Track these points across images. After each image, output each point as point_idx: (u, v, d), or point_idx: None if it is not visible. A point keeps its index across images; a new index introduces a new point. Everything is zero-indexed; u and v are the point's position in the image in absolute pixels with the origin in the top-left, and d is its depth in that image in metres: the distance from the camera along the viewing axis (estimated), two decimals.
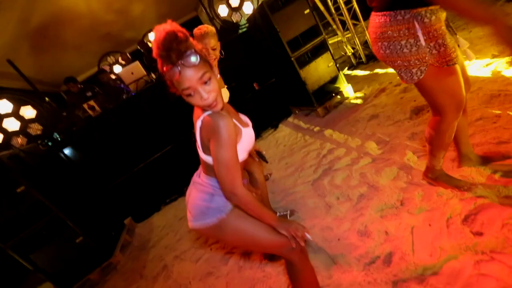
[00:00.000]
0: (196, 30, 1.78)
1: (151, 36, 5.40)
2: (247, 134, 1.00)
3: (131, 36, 6.05)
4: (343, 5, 3.72)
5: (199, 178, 1.05)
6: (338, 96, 3.29)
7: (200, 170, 1.08)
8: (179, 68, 0.79)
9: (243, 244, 1.13)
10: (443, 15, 1.05)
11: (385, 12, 1.08)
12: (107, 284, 2.55)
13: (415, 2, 1.02)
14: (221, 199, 1.00)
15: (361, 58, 3.99)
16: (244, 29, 4.14)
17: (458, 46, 1.13)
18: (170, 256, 2.36)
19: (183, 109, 3.76)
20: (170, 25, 0.81)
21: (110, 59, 5.50)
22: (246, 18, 4.22)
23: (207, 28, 1.71)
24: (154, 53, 0.82)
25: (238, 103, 3.77)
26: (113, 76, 4.90)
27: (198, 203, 1.02)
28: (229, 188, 0.89)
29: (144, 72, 3.86)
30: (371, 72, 3.64)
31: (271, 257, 1.68)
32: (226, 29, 4.29)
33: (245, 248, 1.12)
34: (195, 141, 2.02)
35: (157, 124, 3.74)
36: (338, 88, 3.30)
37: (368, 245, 1.38)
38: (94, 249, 2.63)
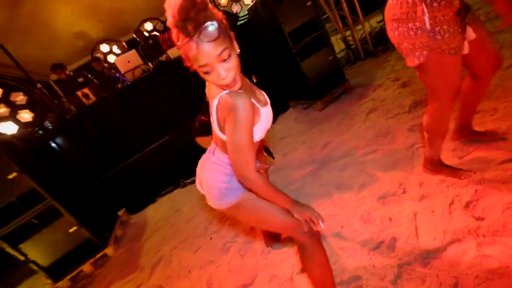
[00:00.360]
0: None
1: (148, 25, 5.30)
2: (265, 113, 0.96)
3: (125, 25, 5.92)
4: (343, 0, 3.74)
5: (214, 156, 1.02)
6: (337, 90, 3.31)
7: (214, 146, 1.05)
8: (196, 42, 0.73)
9: (258, 223, 1.12)
10: (455, 2, 1.07)
11: None
12: (101, 276, 2.50)
13: None
14: (234, 180, 0.99)
15: (359, 54, 4.02)
16: (244, 21, 4.11)
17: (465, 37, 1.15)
18: (168, 246, 2.33)
19: (181, 99, 3.75)
20: None
21: (104, 47, 5.35)
22: (247, 9, 4.18)
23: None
24: (169, 23, 0.75)
25: None
26: (107, 65, 4.78)
27: (217, 184, 1.00)
28: (242, 172, 0.87)
29: (141, 61, 3.78)
30: (369, 68, 3.69)
31: (274, 244, 1.69)
32: (227, 19, 4.24)
33: (259, 227, 1.11)
34: (199, 122, 1.97)
35: (153, 114, 3.67)
36: (338, 82, 3.32)
37: (372, 231, 1.40)
38: (87, 240, 2.57)
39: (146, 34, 5.08)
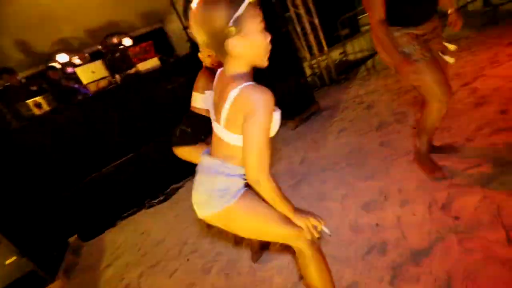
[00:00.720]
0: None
1: (113, 39, 5.08)
2: (276, 118, 0.88)
3: (85, 39, 5.61)
4: (309, 31, 4.13)
5: (204, 164, 0.98)
6: (308, 111, 3.51)
7: (206, 154, 1.01)
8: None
9: (254, 229, 1.01)
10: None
11: None
12: None
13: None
14: (227, 183, 0.92)
15: (324, 80, 4.39)
16: None
17: (442, 53, 1.38)
18: (134, 273, 2.05)
19: (148, 116, 3.57)
20: None
21: (62, 58, 4.93)
22: None
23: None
24: None
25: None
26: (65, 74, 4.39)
27: (215, 186, 0.92)
28: (257, 175, 0.81)
29: (107, 73, 3.56)
30: (334, 93, 4.02)
31: (262, 255, 1.61)
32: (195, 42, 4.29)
33: (254, 235, 1.01)
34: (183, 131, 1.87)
35: (115, 130, 3.42)
36: (308, 103, 3.53)
37: (362, 238, 1.44)
38: (29, 272, 2.13)
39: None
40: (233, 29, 0.74)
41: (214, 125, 0.95)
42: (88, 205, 3.08)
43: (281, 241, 1.08)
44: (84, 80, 3.46)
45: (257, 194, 0.94)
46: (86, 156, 3.22)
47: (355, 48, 4.95)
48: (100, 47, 4.68)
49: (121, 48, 4.80)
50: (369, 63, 4.51)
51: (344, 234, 1.51)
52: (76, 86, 4.24)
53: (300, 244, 1.00)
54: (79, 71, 3.44)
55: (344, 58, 4.77)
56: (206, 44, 0.80)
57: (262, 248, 1.65)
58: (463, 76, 2.58)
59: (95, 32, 5.61)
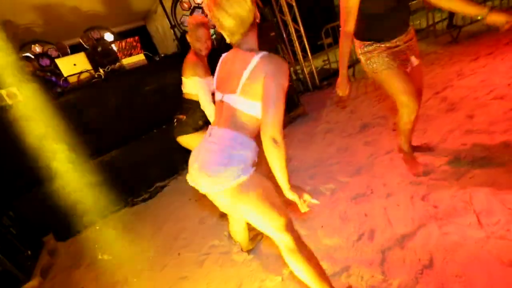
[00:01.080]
0: (190, 19, 1.79)
1: (95, 33, 4.89)
2: None
3: (63, 31, 5.34)
4: (295, 38, 4.30)
5: (214, 136, 1.02)
6: (294, 113, 3.64)
7: (215, 125, 1.05)
8: None
9: (257, 208, 1.01)
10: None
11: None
12: None
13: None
14: (241, 155, 0.97)
15: (307, 86, 4.57)
16: None
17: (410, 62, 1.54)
18: (123, 269, 1.99)
19: (131, 112, 3.48)
20: None
21: (35, 48, 4.64)
22: (215, 30, 4.33)
23: (202, 19, 1.75)
24: None
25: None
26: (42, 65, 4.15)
27: (216, 162, 0.96)
28: (273, 132, 0.88)
29: (90, 66, 3.43)
30: (318, 98, 4.21)
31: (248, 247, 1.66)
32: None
33: (253, 215, 0.99)
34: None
35: (98, 125, 3.30)
36: (294, 106, 3.66)
37: (352, 227, 1.54)
38: (2, 272, 1.98)
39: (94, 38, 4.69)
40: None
41: (226, 97, 1.01)
42: (65, 203, 2.92)
43: (272, 227, 1.04)
44: (65, 72, 3.30)
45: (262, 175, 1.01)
46: (62, 152, 3.07)
47: (337, 57, 5.23)
48: (81, 40, 4.48)
49: (105, 42, 4.65)
50: (350, 71, 4.79)
51: (335, 224, 1.61)
52: (53, 78, 4.03)
53: (287, 234, 1.02)
54: (59, 62, 3.28)
55: (327, 66, 5.02)
56: (230, 27, 0.95)
57: (252, 239, 1.70)
58: (434, 86, 2.86)
59: (74, 24, 5.38)
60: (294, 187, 0.98)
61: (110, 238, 2.52)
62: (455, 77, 2.89)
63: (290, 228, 1.04)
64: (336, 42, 5.57)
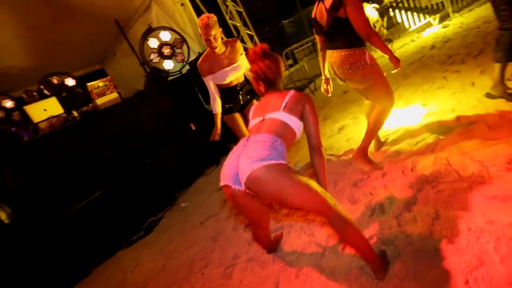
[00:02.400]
0: (199, 21, 2.03)
1: (55, 79, 4.73)
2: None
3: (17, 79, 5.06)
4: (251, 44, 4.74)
5: (254, 138, 1.22)
6: None
7: (248, 137, 1.28)
8: None
9: (294, 196, 1.13)
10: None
11: (347, 49, 1.77)
12: None
13: (361, 43, 1.76)
14: (280, 151, 1.17)
15: None
16: (176, 76, 4.41)
17: None
18: None
19: (111, 152, 3.39)
20: None
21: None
22: (183, 65, 4.52)
23: (209, 19, 1.99)
24: None
25: (176, 142, 3.79)
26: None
27: (261, 149, 1.14)
28: (320, 143, 1.35)
29: (62, 110, 3.33)
30: None
31: (272, 248, 1.75)
32: (156, 75, 4.42)
33: (292, 203, 1.13)
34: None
35: (78, 167, 3.15)
36: None
37: (362, 205, 1.74)
38: None
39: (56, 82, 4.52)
40: None
41: (268, 115, 1.29)
42: (51, 257, 2.64)
43: (313, 209, 1.19)
44: (35, 119, 3.15)
45: None
46: (44, 200, 2.84)
47: (298, 76, 5.81)
48: (42, 87, 4.30)
49: (73, 85, 4.52)
50: (311, 86, 5.34)
51: (347, 207, 1.79)
52: (13, 129, 3.76)
53: (331, 211, 1.17)
54: (28, 109, 3.13)
55: (291, 85, 5.52)
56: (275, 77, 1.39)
57: (275, 240, 1.79)
58: None
59: (30, 72, 5.14)
60: None
61: (113, 279, 2.33)
62: (402, 78, 3.47)
63: (334, 205, 1.17)
64: (296, 62, 6.23)
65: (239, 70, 2.25)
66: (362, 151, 2.02)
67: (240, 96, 2.37)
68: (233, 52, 2.22)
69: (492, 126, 1.83)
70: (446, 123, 2.09)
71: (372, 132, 1.99)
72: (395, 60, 1.77)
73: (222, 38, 2.17)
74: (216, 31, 2.05)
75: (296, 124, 1.27)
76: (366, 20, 1.67)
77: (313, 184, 1.19)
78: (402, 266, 1.23)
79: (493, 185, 1.39)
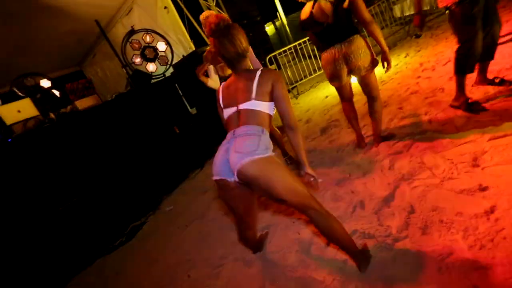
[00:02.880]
0: (201, 18, 2.32)
1: (29, 80, 4.51)
2: None
3: None
4: None
5: (240, 131, 1.23)
6: None
7: (233, 129, 1.27)
8: None
9: (285, 181, 1.17)
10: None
11: (358, 35, 1.93)
12: None
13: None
14: (265, 142, 1.22)
15: None
16: (159, 79, 4.36)
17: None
18: None
19: (90, 156, 3.28)
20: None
21: None
22: (167, 67, 4.48)
23: (208, 12, 2.30)
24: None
25: (160, 146, 3.74)
26: None
27: (248, 143, 1.17)
28: (294, 120, 1.23)
29: (37, 111, 3.18)
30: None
31: (258, 248, 1.78)
32: (139, 77, 4.34)
33: (283, 189, 1.16)
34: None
35: (53, 173, 3.02)
36: None
37: (344, 203, 1.82)
38: None
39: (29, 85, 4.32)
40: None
41: (242, 106, 1.27)
42: (26, 267, 2.49)
43: (296, 202, 1.22)
44: (8, 121, 2.99)
45: None
46: (22, 205, 2.69)
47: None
48: (14, 88, 4.08)
49: (48, 87, 4.32)
50: (294, 91, 5.47)
51: (329, 206, 1.86)
52: None
53: (314, 205, 1.23)
54: (1, 110, 2.96)
55: None
56: (234, 56, 1.28)
57: (260, 240, 1.82)
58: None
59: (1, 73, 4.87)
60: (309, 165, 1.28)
61: (95, 287, 2.24)
62: (379, 84, 3.66)
63: (312, 198, 1.23)
64: (279, 68, 6.35)
65: None
66: (379, 137, 2.26)
67: None
68: None
69: (460, 128, 1.99)
70: (421, 125, 2.24)
71: (379, 121, 2.21)
72: (387, 56, 1.90)
73: None
74: None
75: (269, 107, 1.27)
76: (366, 8, 1.85)
77: (297, 180, 1.24)
78: (381, 258, 1.31)
79: (461, 180, 1.52)
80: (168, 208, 3.12)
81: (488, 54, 2.11)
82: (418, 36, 5.23)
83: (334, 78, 2.09)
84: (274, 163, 1.18)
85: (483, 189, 1.40)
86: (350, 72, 2.03)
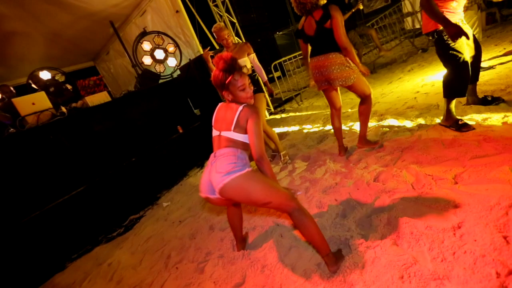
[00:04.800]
0: (213, 29, 2.72)
1: (44, 74, 4.74)
2: None
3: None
4: None
5: (220, 153, 1.40)
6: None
7: (215, 151, 1.46)
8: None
9: (260, 193, 1.32)
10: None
11: (334, 52, 2.09)
12: None
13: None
14: (243, 160, 1.38)
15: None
16: (167, 79, 4.53)
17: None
18: None
19: (97, 149, 3.45)
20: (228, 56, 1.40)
21: None
22: (175, 69, 4.65)
23: (219, 25, 2.75)
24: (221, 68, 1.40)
25: (163, 144, 3.89)
26: None
27: (226, 164, 1.34)
28: (261, 153, 1.34)
29: (50, 105, 3.38)
30: (273, 123, 4.76)
31: (244, 245, 1.91)
32: (147, 77, 4.52)
33: (259, 197, 1.32)
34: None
35: (60, 163, 3.19)
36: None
37: (327, 211, 1.90)
38: None
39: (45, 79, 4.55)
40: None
41: (223, 133, 1.46)
42: (29, 249, 2.66)
43: (278, 203, 1.36)
44: (22, 112, 3.19)
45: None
46: (26, 192, 2.87)
47: (285, 87, 6.05)
48: (30, 81, 4.32)
49: (55, 83, 4.54)
50: (298, 98, 5.57)
51: (314, 212, 1.95)
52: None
53: (292, 204, 1.35)
54: (16, 101, 3.16)
55: (279, 95, 5.74)
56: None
57: (244, 238, 1.93)
58: None
59: (17, 66, 5.14)
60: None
61: (89, 274, 2.38)
62: (380, 96, 3.73)
63: (290, 199, 1.36)
64: (284, 74, 6.48)
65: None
66: (363, 139, 2.43)
67: None
68: (239, 52, 2.78)
69: (447, 145, 2.05)
70: (410, 139, 2.31)
71: (365, 122, 2.36)
72: (363, 69, 2.15)
73: (233, 42, 2.84)
74: (225, 34, 2.73)
75: (245, 138, 1.44)
76: (344, 33, 2.01)
77: (275, 183, 1.38)
78: (352, 264, 1.39)
79: (437, 196, 1.59)
80: (166, 204, 3.26)
81: (474, 76, 2.18)
82: (424, 51, 5.26)
83: (316, 82, 2.34)
84: (251, 178, 1.33)
85: (455, 205, 1.47)
86: (327, 82, 2.24)
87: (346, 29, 2.08)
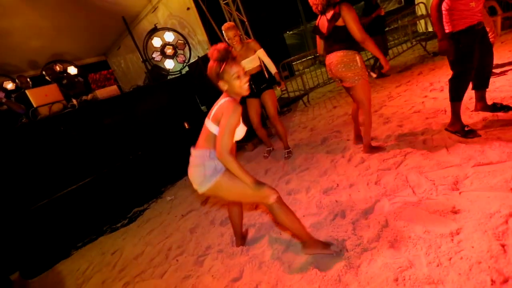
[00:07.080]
0: (222, 27, 2.80)
1: (58, 67, 4.88)
2: (242, 129, 1.50)
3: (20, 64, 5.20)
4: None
5: (192, 157, 1.46)
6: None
7: (198, 140, 1.48)
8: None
9: (235, 194, 1.45)
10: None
11: (342, 50, 2.09)
12: None
13: (355, 47, 2.07)
14: (211, 166, 1.40)
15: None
16: (176, 75, 4.59)
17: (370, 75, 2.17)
18: (118, 285, 2.01)
19: (105, 141, 3.53)
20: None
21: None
22: (183, 65, 4.71)
23: (229, 24, 2.80)
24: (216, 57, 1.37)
25: (169, 139, 3.94)
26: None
27: (197, 176, 1.42)
28: (221, 151, 1.30)
29: (62, 97, 3.48)
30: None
31: (244, 241, 1.94)
32: (157, 72, 4.59)
33: (238, 198, 1.51)
34: None
35: (68, 155, 3.28)
36: (266, 127, 4.13)
37: (327, 211, 1.92)
38: None
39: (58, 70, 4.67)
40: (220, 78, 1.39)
41: (206, 120, 1.45)
42: (36, 236, 2.76)
43: (257, 201, 1.47)
44: (35, 103, 3.29)
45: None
46: (35, 180, 2.97)
47: (293, 87, 6.04)
48: (44, 73, 4.44)
49: (68, 75, 4.66)
50: (305, 98, 5.56)
51: (313, 212, 1.97)
52: (4, 107, 3.88)
53: (269, 200, 1.42)
54: (30, 93, 3.27)
55: (286, 95, 5.74)
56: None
57: (244, 235, 1.96)
58: (373, 106, 3.61)
59: (32, 58, 5.28)
60: (258, 184, 1.39)
61: (93, 262, 2.46)
62: (387, 99, 3.70)
63: (267, 196, 1.40)
64: (292, 74, 6.48)
65: (250, 64, 2.90)
66: (368, 147, 2.42)
67: (252, 85, 2.95)
68: (247, 50, 2.89)
69: (451, 151, 2.03)
70: (415, 145, 2.30)
71: (367, 132, 2.36)
72: (385, 62, 2.12)
73: (241, 41, 2.89)
74: (231, 34, 2.79)
75: (217, 130, 1.40)
76: (359, 27, 2.02)
77: (242, 183, 1.39)
78: (347, 263, 1.41)
79: (437, 201, 1.58)
80: (170, 198, 3.32)
81: (484, 82, 2.15)
82: (435, 55, 5.18)
83: (332, 78, 2.42)
84: (219, 187, 1.40)
85: (455, 211, 1.47)
86: (339, 79, 2.28)
87: (372, 34, 2.12)
